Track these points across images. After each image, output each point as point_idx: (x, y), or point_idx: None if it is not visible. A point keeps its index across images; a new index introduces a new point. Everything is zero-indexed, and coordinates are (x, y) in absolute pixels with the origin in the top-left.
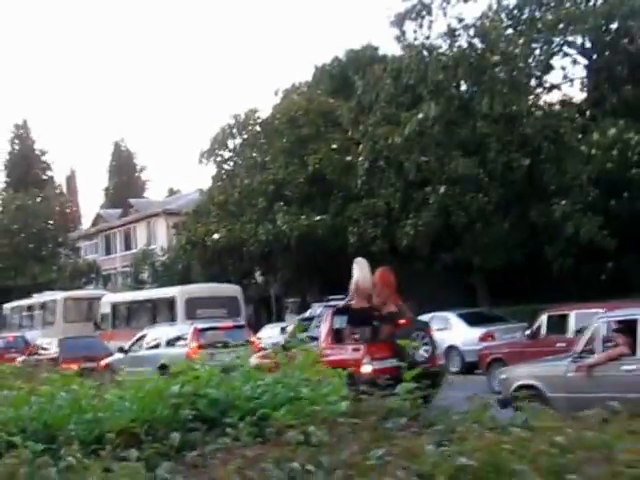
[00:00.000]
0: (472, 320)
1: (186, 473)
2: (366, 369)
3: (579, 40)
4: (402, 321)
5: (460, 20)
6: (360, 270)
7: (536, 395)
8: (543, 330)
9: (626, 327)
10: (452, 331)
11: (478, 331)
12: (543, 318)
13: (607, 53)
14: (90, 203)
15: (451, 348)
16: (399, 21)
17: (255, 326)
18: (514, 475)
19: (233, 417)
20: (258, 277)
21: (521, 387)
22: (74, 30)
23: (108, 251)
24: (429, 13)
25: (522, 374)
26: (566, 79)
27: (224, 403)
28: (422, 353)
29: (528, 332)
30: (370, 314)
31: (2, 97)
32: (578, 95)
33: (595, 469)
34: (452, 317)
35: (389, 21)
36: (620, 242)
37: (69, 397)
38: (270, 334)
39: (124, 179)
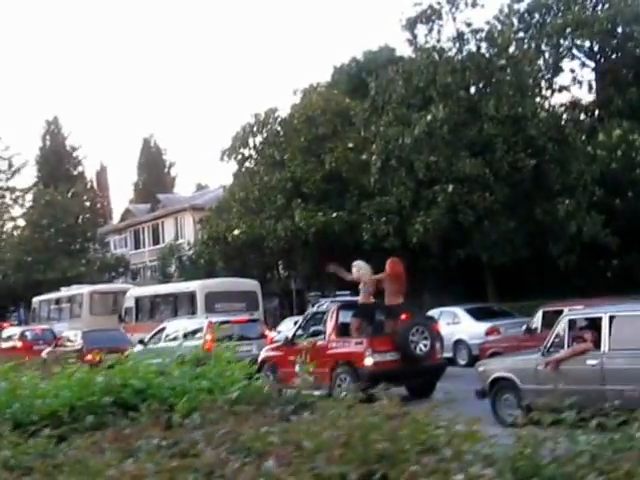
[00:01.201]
0: (479, 315)
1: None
2: (368, 362)
3: (587, 44)
4: (403, 316)
5: (468, 25)
6: (362, 269)
7: (510, 386)
8: (539, 325)
9: (592, 324)
10: (460, 325)
11: (484, 325)
12: (539, 314)
13: (613, 56)
14: (120, 198)
15: (459, 342)
16: (410, 25)
17: (279, 319)
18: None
19: (150, 404)
20: (281, 271)
21: (497, 379)
22: (105, 28)
23: (137, 245)
24: (439, 18)
25: (498, 367)
26: (575, 81)
27: (146, 393)
28: (421, 347)
29: (525, 327)
30: (376, 310)
31: (34, 93)
32: (587, 97)
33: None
34: (460, 312)
35: (401, 25)
36: (624, 240)
37: (6, 386)
38: (289, 327)
39: (153, 175)
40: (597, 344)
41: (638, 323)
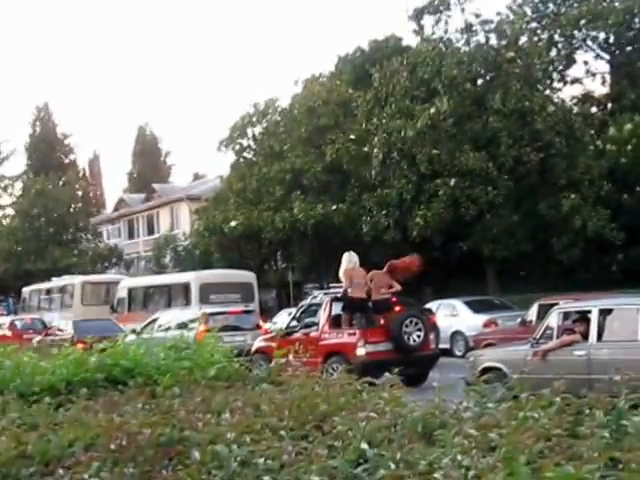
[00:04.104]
0: (478, 307)
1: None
2: (360, 352)
3: (602, 35)
4: (397, 308)
5: (477, 16)
6: (350, 262)
7: (499, 376)
8: (533, 318)
9: (583, 317)
10: (458, 318)
11: (482, 318)
12: (534, 307)
13: (628, 49)
14: (114, 187)
15: (456, 333)
16: (418, 15)
17: (276, 311)
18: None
19: (137, 380)
20: (279, 263)
21: (487, 368)
22: (100, 13)
23: (131, 235)
24: (447, 9)
25: (488, 357)
26: (588, 74)
27: (134, 371)
28: (414, 338)
29: (520, 320)
30: (366, 302)
31: (25, 79)
32: (601, 90)
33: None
34: (458, 304)
35: (407, 15)
36: (630, 234)
37: (11, 364)
38: (285, 319)
39: (148, 164)
40: (585, 336)
41: (624, 316)
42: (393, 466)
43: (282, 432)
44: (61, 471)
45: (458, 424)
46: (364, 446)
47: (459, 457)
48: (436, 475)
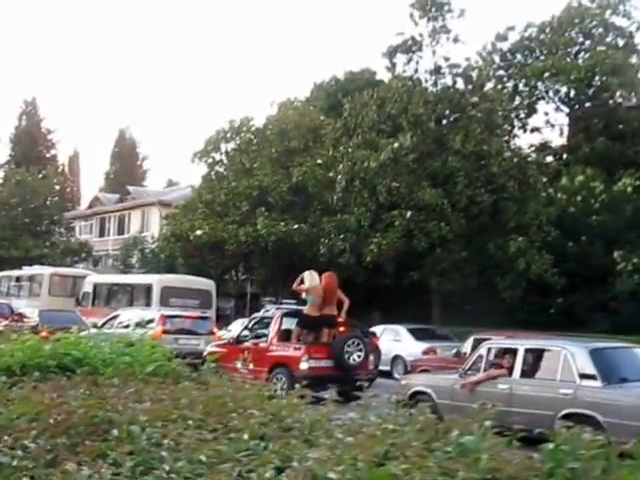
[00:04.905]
0: (420, 335)
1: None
2: (303, 366)
3: (563, 89)
4: (342, 328)
5: (447, 59)
6: (312, 280)
7: (426, 400)
8: (468, 350)
9: (510, 353)
10: (401, 343)
11: (423, 345)
12: (470, 340)
13: (587, 104)
14: (90, 185)
15: (397, 357)
16: (390, 53)
17: (233, 319)
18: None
19: (84, 370)
20: (239, 274)
21: (416, 392)
22: (95, 20)
23: (102, 233)
24: (419, 49)
25: (419, 382)
26: (548, 124)
27: (82, 361)
28: (355, 358)
29: (455, 351)
30: (319, 320)
31: (14, 75)
32: (558, 140)
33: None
34: (402, 330)
35: (381, 52)
36: (570, 280)
37: None
38: (239, 327)
39: (125, 166)
40: (511, 371)
41: (547, 356)
42: (271, 456)
43: (190, 422)
44: (6, 437)
45: (332, 429)
46: (247, 437)
47: (323, 454)
48: (294, 463)
